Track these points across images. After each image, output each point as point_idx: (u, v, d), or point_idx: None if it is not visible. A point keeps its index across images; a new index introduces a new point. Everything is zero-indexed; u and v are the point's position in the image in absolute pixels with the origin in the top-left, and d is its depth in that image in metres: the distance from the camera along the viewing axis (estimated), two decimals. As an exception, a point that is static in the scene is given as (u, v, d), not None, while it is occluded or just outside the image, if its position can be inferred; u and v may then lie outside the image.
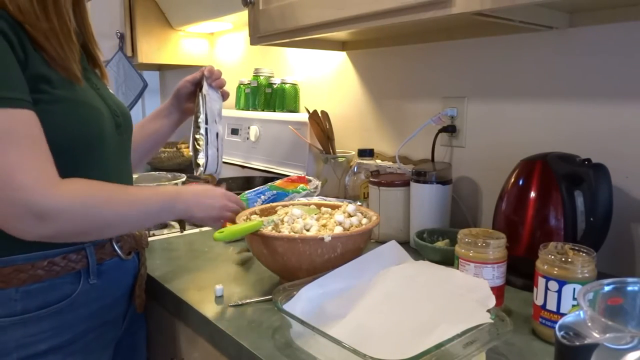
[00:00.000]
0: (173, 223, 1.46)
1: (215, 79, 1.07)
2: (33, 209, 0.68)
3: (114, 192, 0.79)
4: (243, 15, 1.44)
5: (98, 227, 0.77)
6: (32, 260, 0.76)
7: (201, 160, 1.02)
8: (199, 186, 0.94)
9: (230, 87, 1.20)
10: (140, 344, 1.03)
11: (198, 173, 1.03)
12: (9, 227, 0.70)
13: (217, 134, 1.04)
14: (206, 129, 1.02)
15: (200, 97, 1.04)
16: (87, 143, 0.79)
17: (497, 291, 0.81)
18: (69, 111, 0.76)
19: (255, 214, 1.03)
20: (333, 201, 1.17)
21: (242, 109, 1.93)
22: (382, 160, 1.44)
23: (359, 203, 1.08)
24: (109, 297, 0.87)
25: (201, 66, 2.43)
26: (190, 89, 1.09)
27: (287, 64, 1.85)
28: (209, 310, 0.87)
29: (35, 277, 0.76)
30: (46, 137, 0.73)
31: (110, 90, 0.96)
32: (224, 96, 1.09)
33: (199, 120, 1.02)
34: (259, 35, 1.32)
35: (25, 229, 0.70)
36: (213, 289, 0.93)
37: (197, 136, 1.02)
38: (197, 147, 1.02)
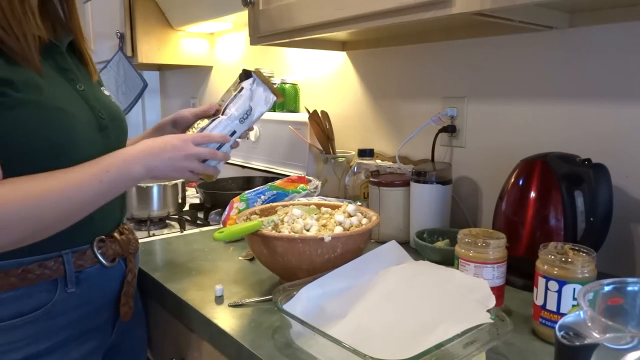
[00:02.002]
0: (173, 223, 1.46)
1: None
2: None
3: (47, 185, 0.71)
4: (243, 15, 1.44)
5: (39, 230, 0.72)
6: (5, 268, 0.73)
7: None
8: (148, 141, 0.82)
9: (230, 87, 1.20)
10: (139, 348, 1.01)
11: None
12: None
13: (233, 132, 0.93)
14: (214, 119, 0.92)
15: (237, 89, 0.94)
16: (54, 146, 0.75)
17: (497, 291, 0.81)
18: (31, 114, 0.72)
19: (255, 214, 1.03)
20: (333, 201, 1.17)
21: (242, 109, 1.93)
22: (382, 160, 1.44)
23: (359, 203, 1.08)
24: (91, 305, 0.84)
25: (201, 66, 2.43)
26: (191, 121, 1.01)
27: (287, 64, 1.85)
28: (209, 310, 0.87)
29: (9, 285, 0.73)
30: (10, 141, 0.71)
31: (105, 92, 0.92)
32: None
33: (220, 105, 0.93)
34: (259, 35, 1.32)
35: None
36: (213, 289, 0.93)
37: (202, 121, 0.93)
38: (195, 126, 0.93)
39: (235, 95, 0.94)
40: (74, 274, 0.80)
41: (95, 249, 0.83)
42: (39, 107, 0.73)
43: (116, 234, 0.88)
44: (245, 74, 0.97)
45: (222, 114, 0.93)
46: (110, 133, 0.86)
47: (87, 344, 0.84)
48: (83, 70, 0.89)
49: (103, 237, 0.85)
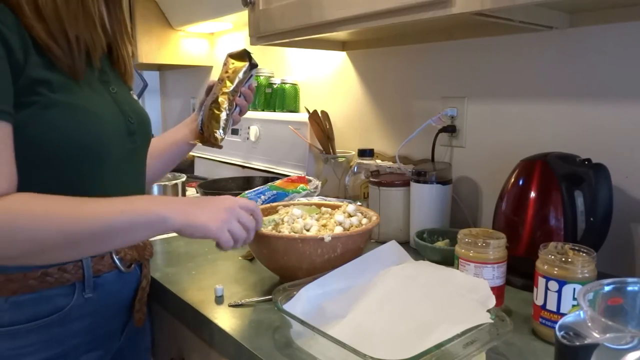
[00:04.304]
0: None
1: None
2: None
3: (58, 207, 0.67)
4: (243, 15, 1.44)
5: (37, 251, 0.66)
6: (25, 270, 0.73)
7: (220, 134, 1.01)
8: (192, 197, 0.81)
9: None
10: (143, 352, 1.01)
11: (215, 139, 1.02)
12: None
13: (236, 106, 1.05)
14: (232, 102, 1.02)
15: (242, 70, 1.02)
16: (85, 148, 0.75)
17: (497, 291, 0.81)
18: (64, 115, 0.72)
19: (255, 214, 1.03)
20: (333, 201, 1.17)
21: (242, 109, 1.93)
22: (382, 160, 1.44)
23: (359, 203, 1.08)
24: (106, 311, 0.83)
25: (201, 66, 2.43)
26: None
27: (287, 64, 1.85)
28: (209, 310, 0.87)
29: (27, 287, 0.73)
30: (41, 142, 0.70)
31: (134, 96, 0.92)
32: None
33: (230, 90, 1.01)
34: (259, 35, 1.32)
35: None
36: (213, 289, 0.93)
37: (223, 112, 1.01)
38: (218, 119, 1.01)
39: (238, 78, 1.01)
40: (92, 279, 0.79)
41: (114, 254, 0.83)
42: (72, 109, 0.73)
43: None
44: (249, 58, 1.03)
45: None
46: (137, 138, 0.86)
47: (96, 351, 0.84)
48: (117, 74, 0.89)
49: None
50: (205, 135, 1.02)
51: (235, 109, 1.02)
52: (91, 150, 0.76)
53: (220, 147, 1.02)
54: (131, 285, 0.89)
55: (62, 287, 0.77)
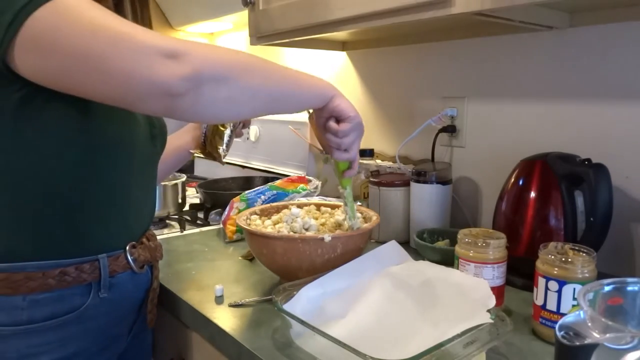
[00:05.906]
0: (173, 223, 1.46)
1: None
2: (161, 48, 0.60)
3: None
4: (243, 15, 1.44)
5: (240, 72, 0.68)
6: (44, 269, 0.74)
7: (222, 150, 1.05)
8: None
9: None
10: (145, 353, 1.01)
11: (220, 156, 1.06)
12: (144, 82, 0.61)
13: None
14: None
15: None
16: (119, 146, 0.78)
17: (497, 291, 0.81)
18: (106, 112, 0.74)
19: (256, 214, 1.03)
20: (333, 201, 1.17)
21: (242, 109, 1.93)
22: (382, 160, 1.44)
23: (359, 203, 1.08)
24: (118, 312, 0.84)
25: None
26: None
27: (287, 64, 1.84)
28: (209, 310, 0.87)
29: (45, 286, 0.74)
30: (80, 135, 0.72)
31: None
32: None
33: None
34: (259, 35, 1.32)
35: (160, 73, 0.60)
36: (213, 289, 0.93)
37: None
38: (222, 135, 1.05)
39: None
40: (108, 279, 0.80)
41: (128, 255, 0.84)
42: (114, 107, 0.74)
43: (145, 240, 0.89)
44: None
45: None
46: (157, 142, 0.89)
47: (107, 351, 0.85)
48: None
49: (134, 242, 0.86)
50: (208, 149, 1.05)
51: (239, 125, 1.06)
52: (124, 148, 0.79)
53: (223, 163, 1.04)
54: (142, 286, 0.90)
55: (79, 287, 0.77)
